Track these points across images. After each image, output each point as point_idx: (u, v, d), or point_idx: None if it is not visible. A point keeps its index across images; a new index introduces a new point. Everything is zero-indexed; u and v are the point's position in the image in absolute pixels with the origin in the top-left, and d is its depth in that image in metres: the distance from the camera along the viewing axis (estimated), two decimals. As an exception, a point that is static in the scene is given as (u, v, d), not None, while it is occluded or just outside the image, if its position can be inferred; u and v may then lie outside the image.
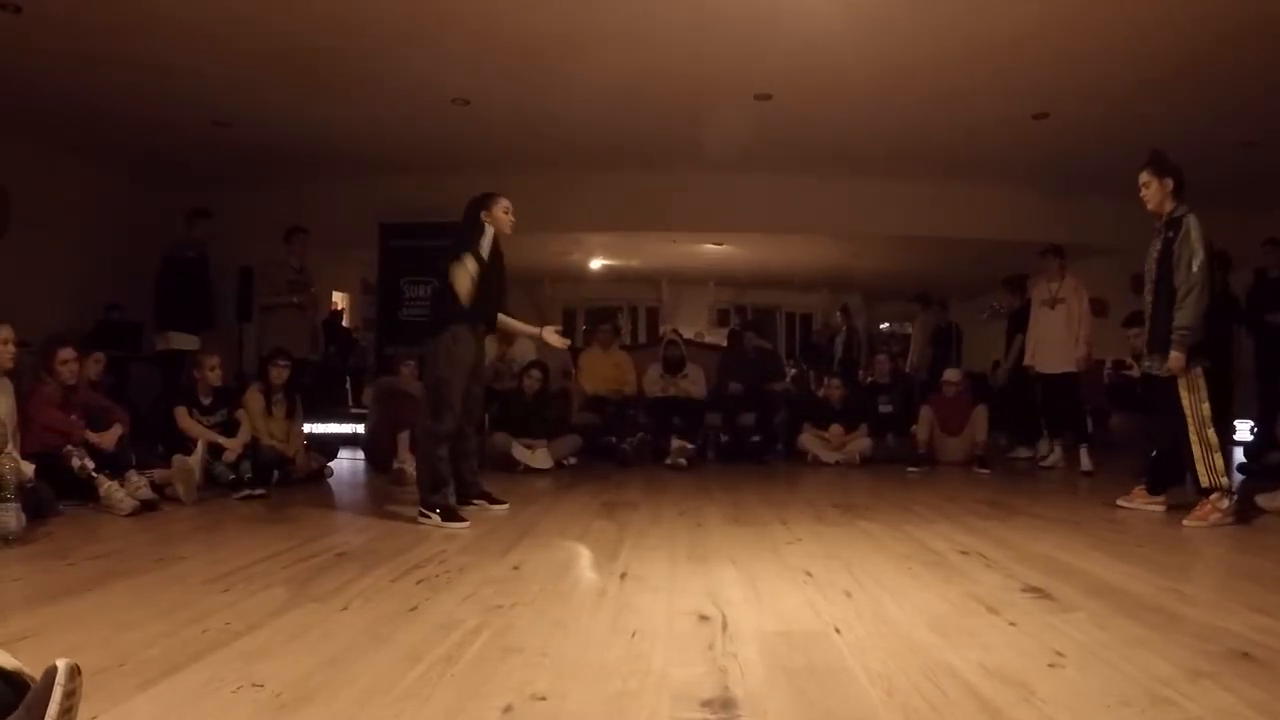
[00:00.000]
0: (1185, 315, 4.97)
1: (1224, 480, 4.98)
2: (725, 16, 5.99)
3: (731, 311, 18.19)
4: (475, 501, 5.46)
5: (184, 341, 8.36)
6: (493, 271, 5.38)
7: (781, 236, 12.12)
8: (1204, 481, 5.00)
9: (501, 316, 5.59)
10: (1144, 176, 5.22)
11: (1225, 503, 4.95)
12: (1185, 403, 5.05)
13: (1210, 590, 3.30)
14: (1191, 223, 5.03)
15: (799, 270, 15.76)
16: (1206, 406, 5.05)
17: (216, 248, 9.24)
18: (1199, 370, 5.05)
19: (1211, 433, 5.05)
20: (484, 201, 5.44)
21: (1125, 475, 6.25)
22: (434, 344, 5.22)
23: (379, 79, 7.21)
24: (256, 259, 9.05)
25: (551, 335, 5.73)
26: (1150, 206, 5.24)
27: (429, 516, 4.92)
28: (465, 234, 5.35)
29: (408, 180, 9.49)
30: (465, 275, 5.13)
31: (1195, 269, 4.97)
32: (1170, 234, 5.09)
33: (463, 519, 4.91)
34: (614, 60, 6.74)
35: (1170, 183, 5.13)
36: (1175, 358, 4.99)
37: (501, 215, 5.42)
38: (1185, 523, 4.92)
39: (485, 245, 5.32)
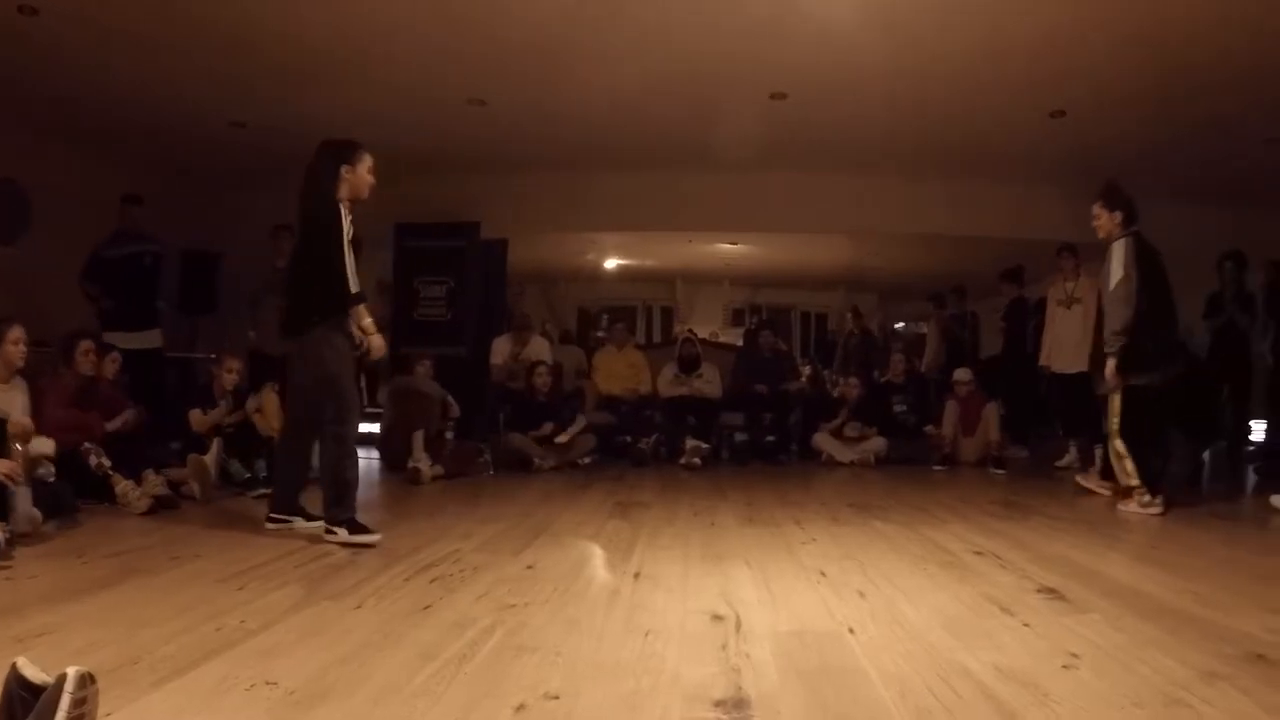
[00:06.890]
0: (1106, 328, 5.36)
1: (1134, 481, 5.39)
2: (740, 16, 5.97)
3: (747, 311, 18.15)
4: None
5: (135, 340, 7.37)
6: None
7: (797, 235, 12.05)
8: (1121, 483, 5.51)
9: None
10: (1095, 209, 5.46)
11: (1146, 498, 5.35)
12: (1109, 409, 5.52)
13: (1226, 592, 3.28)
14: (1115, 248, 5.34)
15: (814, 269, 15.70)
16: (1115, 421, 5.45)
17: (235, 247, 9.27)
18: (1119, 386, 5.39)
19: (1118, 443, 5.47)
20: (347, 152, 4.54)
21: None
22: (316, 336, 4.48)
23: (394, 80, 7.20)
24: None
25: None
26: (1100, 236, 5.47)
27: (334, 533, 4.20)
28: (323, 186, 4.53)
29: (423, 181, 9.46)
30: (347, 257, 4.46)
31: (1112, 287, 5.31)
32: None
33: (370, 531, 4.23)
34: (629, 60, 6.72)
35: (1119, 215, 5.38)
36: (1109, 369, 5.36)
37: (365, 175, 4.57)
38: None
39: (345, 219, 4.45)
